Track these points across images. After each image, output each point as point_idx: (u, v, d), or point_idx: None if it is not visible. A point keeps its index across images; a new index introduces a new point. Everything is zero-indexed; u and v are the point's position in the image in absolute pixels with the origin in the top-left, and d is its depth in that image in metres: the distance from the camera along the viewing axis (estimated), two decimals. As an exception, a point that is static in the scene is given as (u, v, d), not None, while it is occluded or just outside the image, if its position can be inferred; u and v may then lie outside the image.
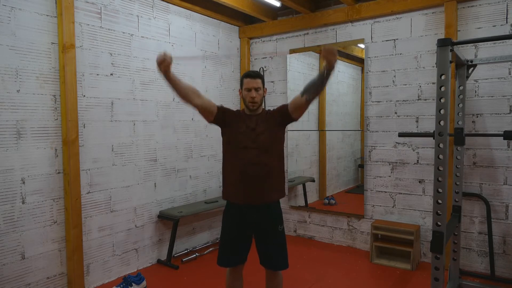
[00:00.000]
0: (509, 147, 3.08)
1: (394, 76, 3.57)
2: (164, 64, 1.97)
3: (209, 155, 4.06)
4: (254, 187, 2.13)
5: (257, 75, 2.18)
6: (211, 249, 3.80)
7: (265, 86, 2.29)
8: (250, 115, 2.20)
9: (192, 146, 3.87)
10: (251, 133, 2.14)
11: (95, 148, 2.97)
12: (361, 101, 3.93)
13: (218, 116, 2.19)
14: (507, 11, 3.03)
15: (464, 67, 2.78)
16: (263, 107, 2.29)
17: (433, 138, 2.14)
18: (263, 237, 2.22)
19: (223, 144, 2.25)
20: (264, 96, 2.23)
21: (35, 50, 2.59)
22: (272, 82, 4.37)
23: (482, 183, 3.19)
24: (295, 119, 2.19)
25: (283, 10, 4.23)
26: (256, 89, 2.14)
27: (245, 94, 2.16)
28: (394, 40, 3.55)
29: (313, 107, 4.34)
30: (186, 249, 3.73)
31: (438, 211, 2.09)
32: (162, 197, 3.56)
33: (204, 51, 3.95)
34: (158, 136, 3.50)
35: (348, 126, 4.38)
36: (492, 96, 3.12)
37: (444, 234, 2.07)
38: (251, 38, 4.49)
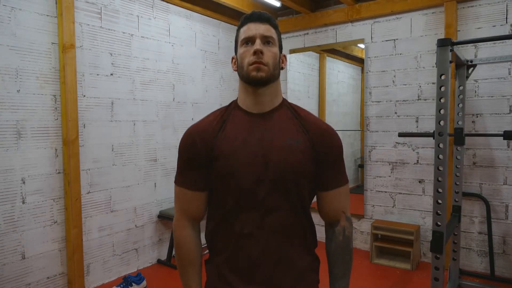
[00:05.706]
0: (509, 147, 3.08)
1: (394, 76, 3.57)
2: None
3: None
4: None
5: (266, 18, 1.10)
6: (211, 249, 3.80)
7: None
8: (251, 113, 1.11)
9: (192, 146, 3.86)
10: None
11: (95, 148, 2.97)
12: (361, 101, 3.93)
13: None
14: (507, 11, 3.03)
15: (464, 67, 2.78)
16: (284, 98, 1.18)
17: (433, 138, 2.14)
18: None
19: None
20: (282, 67, 1.15)
21: (35, 50, 2.59)
22: (272, 82, 4.37)
23: (482, 183, 3.19)
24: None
25: (283, 10, 4.23)
26: (267, 40, 1.07)
27: (243, 53, 1.08)
28: (394, 40, 3.55)
29: (313, 107, 4.35)
30: (186, 249, 3.73)
31: (438, 211, 2.09)
32: (162, 197, 3.56)
33: (204, 51, 3.95)
34: (158, 136, 3.50)
35: (348, 126, 4.38)
36: (492, 96, 3.12)
37: (444, 234, 2.07)
38: (251, 38, 4.48)
